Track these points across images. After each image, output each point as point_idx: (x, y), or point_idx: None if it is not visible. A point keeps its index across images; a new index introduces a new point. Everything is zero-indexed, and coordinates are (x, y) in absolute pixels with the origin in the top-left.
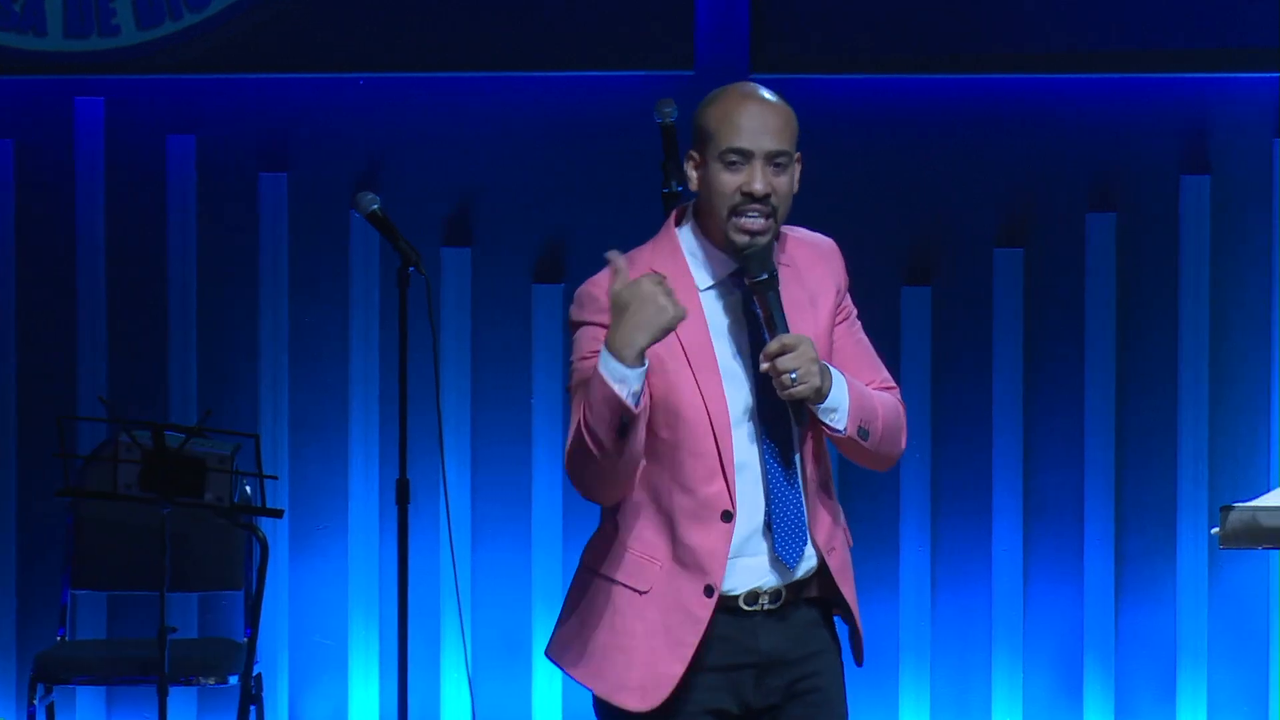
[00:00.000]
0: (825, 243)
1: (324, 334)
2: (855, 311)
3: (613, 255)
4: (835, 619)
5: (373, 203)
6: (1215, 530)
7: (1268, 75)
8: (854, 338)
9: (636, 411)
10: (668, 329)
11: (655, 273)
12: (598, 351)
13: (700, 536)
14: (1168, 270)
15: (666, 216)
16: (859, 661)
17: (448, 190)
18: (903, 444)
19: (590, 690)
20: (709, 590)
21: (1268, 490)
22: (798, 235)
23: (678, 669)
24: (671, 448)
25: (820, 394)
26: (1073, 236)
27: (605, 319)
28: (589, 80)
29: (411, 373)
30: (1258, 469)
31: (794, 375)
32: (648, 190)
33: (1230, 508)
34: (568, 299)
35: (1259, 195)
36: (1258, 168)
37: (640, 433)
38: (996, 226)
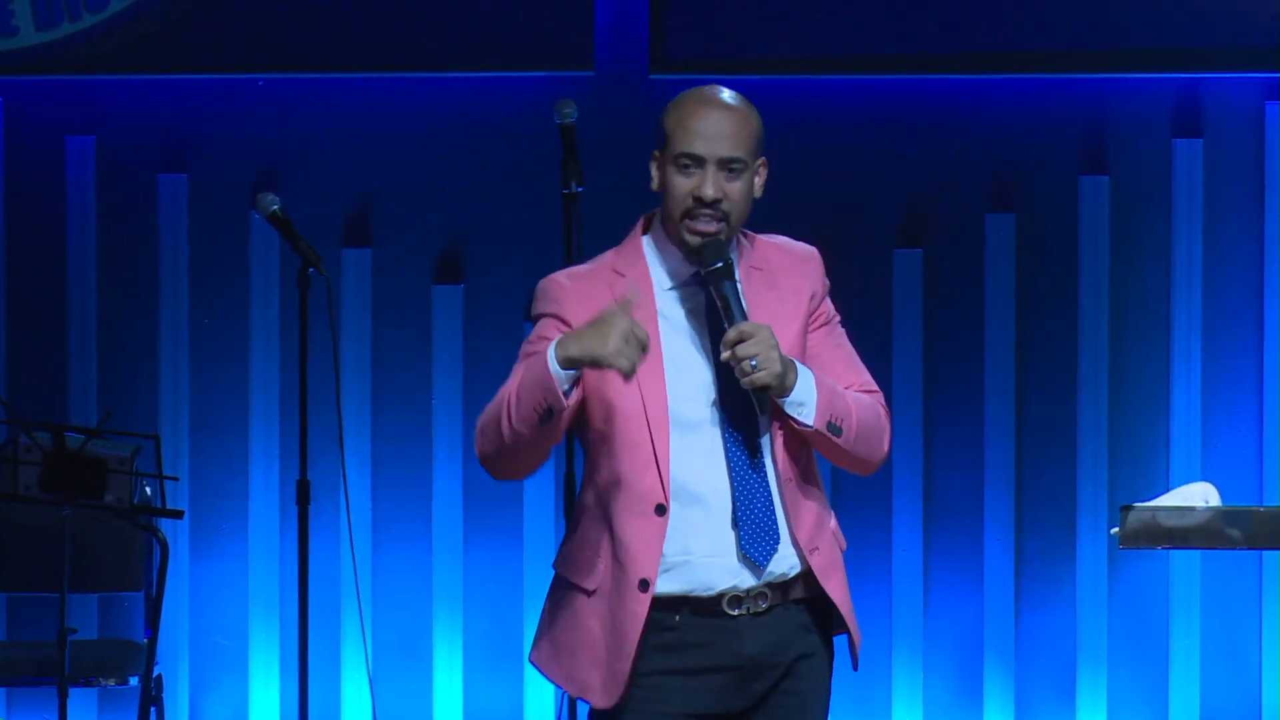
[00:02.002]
0: (803, 249)
1: (224, 335)
2: (838, 318)
3: (630, 293)
4: (831, 621)
5: (273, 204)
6: (1115, 530)
7: (1165, 76)
8: (833, 341)
9: (563, 405)
10: (596, 361)
11: (637, 324)
12: (544, 338)
13: (634, 531)
14: (1067, 271)
15: (566, 217)
16: (854, 665)
17: (348, 191)
18: (884, 447)
19: (567, 692)
20: (644, 585)
21: (1167, 490)
22: (777, 242)
23: (625, 666)
24: (609, 442)
25: (784, 385)
26: (972, 237)
27: (556, 309)
28: (489, 81)
29: (312, 374)
30: (1157, 469)
31: (754, 362)
32: (548, 191)
33: (1130, 508)
34: (467, 300)
35: (1157, 196)
36: (1156, 168)
37: (555, 426)
38: (896, 227)
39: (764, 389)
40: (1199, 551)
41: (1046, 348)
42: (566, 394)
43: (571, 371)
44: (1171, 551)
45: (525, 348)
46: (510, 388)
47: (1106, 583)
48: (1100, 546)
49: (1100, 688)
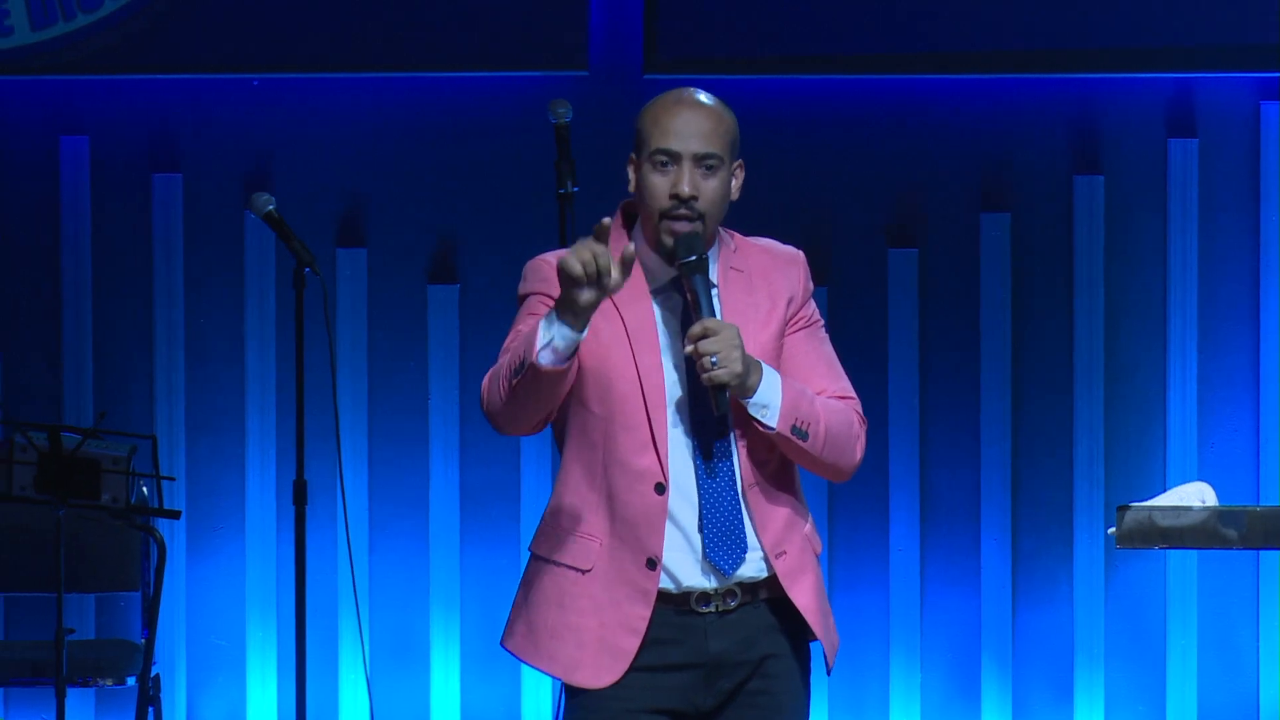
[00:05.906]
0: (788, 252)
1: (219, 335)
2: (820, 322)
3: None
4: (804, 627)
5: (268, 203)
6: (1111, 530)
7: (1160, 75)
8: (810, 344)
9: (533, 359)
10: (567, 284)
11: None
12: (535, 315)
13: (636, 510)
14: (1061, 270)
15: (560, 217)
16: (828, 670)
17: (342, 191)
18: (857, 456)
19: (547, 674)
20: (651, 563)
21: (1163, 490)
22: (760, 244)
23: (632, 643)
24: (604, 422)
25: (745, 386)
26: (967, 237)
27: (546, 289)
28: (483, 81)
29: (308, 373)
30: (1152, 468)
31: (714, 359)
32: (542, 191)
33: (1126, 507)
34: (462, 300)
35: (1152, 195)
36: (1150, 168)
37: (542, 386)
38: (891, 227)
39: (722, 388)
40: (1195, 551)
41: (1042, 347)
42: (543, 351)
43: (555, 333)
44: (1168, 551)
45: (517, 323)
46: (511, 356)
47: (1103, 582)
48: (1097, 546)
49: (1097, 687)
